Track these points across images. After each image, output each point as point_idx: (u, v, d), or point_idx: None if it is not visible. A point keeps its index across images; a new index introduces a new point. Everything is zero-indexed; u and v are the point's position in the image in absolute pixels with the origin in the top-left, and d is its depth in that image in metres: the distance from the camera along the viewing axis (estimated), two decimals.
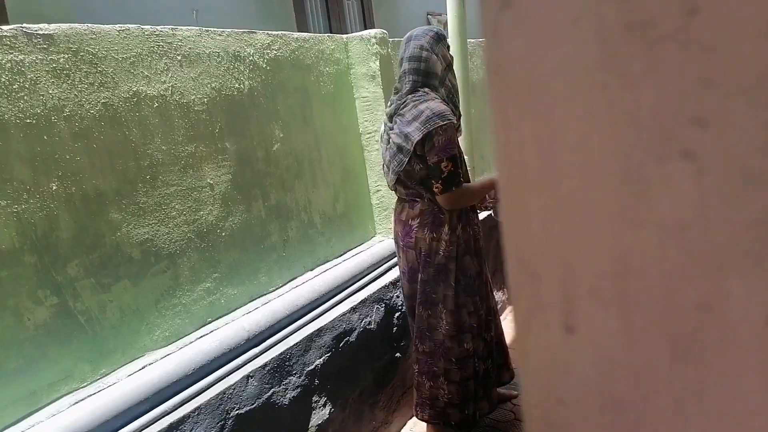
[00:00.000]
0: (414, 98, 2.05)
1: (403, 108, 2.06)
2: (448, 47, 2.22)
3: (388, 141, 2.12)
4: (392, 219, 2.30)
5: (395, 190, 2.20)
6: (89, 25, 1.55)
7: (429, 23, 6.67)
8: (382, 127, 2.23)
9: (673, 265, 0.28)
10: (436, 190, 2.00)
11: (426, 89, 2.07)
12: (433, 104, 2.00)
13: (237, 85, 1.95)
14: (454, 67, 3.39)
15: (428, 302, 2.12)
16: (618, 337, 0.31)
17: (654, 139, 0.27)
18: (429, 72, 2.08)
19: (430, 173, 2.00)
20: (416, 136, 1.96)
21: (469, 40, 3.54)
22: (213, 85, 1.85)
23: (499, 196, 0.36)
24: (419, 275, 2.12)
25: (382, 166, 2.26)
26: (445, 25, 5.96)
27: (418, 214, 2.10)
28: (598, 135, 0.29)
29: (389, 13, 5.98)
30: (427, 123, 1.96)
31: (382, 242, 2.62)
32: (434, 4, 6.48)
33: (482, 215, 2.95)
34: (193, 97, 1.78)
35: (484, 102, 3.94)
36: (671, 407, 0.30)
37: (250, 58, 2.01)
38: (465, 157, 3.55)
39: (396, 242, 2.24)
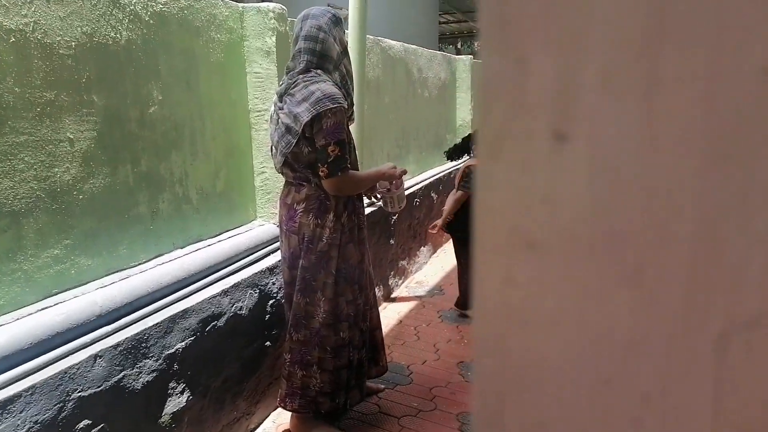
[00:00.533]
0: (305, 78, 1.97)
1: (293, 88, 1.98)
2: (344, 32, 2.17)
3: (277, 121, 2.03)
4: (277, 203, 2.22)
5: (282, 173, 2.12)
6: None
7: None
8: (272, 107, 2.13)
9: (730, 11, 0.21)
10: (321, 174, 1.95)
11: (319, 71, 2.00)
12: (325, 86, 1.94)
13: (113, 35, 1.76)
14: (352, 59, 3.36)
15: (307, 289, 2.06)
16: (631, 146, 0.23)
17: None
18: (324, 54, 2.02)
19: (318, 156, 1.94)
20: (305, 117, 1.89)
21: (367, 37, 3.51)
22: (84, 29, 1.65)
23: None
24: (300, 261, 2.05)
25: (270, 147, 2.17)
26: (346, 19, 5.91)
27: (304, 198, 2.04)
28: None
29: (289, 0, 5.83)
30: (317, 104, 1.90)
31: (263, 226, 2.50)
32: None
33: (369, 208, 2.92)
34: (58, 39, 1.58)
35: (378, 99, 3.94)
36: (692, 232, 0.24)
37: (131, 7, 1.82)
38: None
39: (279, 226, 2.16)
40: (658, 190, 0.24)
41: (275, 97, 2.11)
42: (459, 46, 16.04)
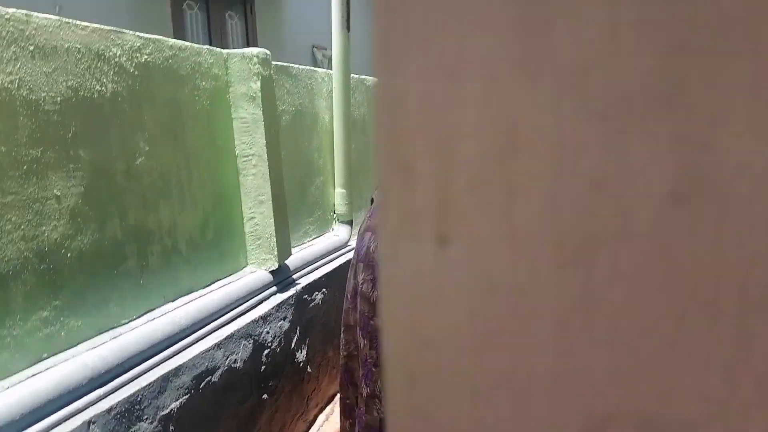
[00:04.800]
0: None
1: None
2: None
3: None
4: (375, 234, 1.94)
5: None
6: None
7: (314, 56, 6.72)
8: None
9: (567, 128, 0.24)
10: None
11: None
12: None
13: (98, 88, 1.77)
14: (337, 99, 3.40)
15: None
16: (498, 244, 0.27)
17: None
18: None
19: None
20: None
21: (352, 76, 3.57)
22: (69, 83, 1.66)
23: (374, 54, 0.31)
24: None
25: None
26: (330, 60, 6.02)
27: None
28: None
29: (274, 42, 5.92)
30: None
31: (254, 273, 2.48)
32: (320, 37, 6.53)
33: None
34: (44, 95, 1.58)
35: (364, 137, 3.97)
36: (552, 331, 0.26)
37: (117, 59, 1.84)
38: (343, 191, 3.54)
39: (371, 263, 1.92)
40: (522, 290, 0.27)
41: None
42: None
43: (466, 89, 0.26)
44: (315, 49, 6.73)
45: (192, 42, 4.91)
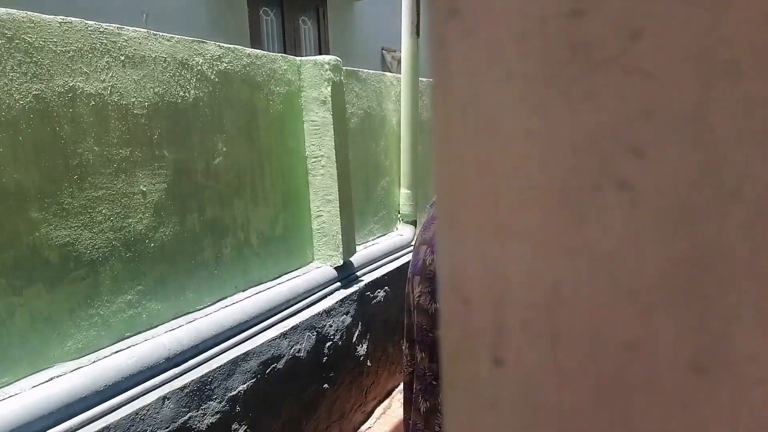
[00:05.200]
0: None
1: None
2: None
3: None
4: (430, 246, 1.92)
5: None
6: (29, 12, 1.50)
7: (384, 58, 6.80)
8: None
9: (604, 298, 0.28)
10: None
11: None
12: None
13: (182, 93, 1.91)
14: (405, 103, 3.47)
15: None
16: (546, 373, 0.31)
17: (591, 166, 0.27)
18: None
19: None
20: None
21: (421, 79, 3.63)
22: (156, 90, 1.81)
23: (439, 214, 0.35)
24: None
25: None
26: (399, 61, 6.09)
27: None
28: (537, 157, 0.28)
29: (345, 45, 6.06)
30: None
31: (320, 269, 2.59)
32: (390, 39, 6.63)
33: None
34: (133, 100, 1.74)
35: (430, 140, 4.01)
36: None
37: (199, 67, 1.98)
38: (408, 191, 3.60)
39: (435, 277, 1.85)
40: (564, 416, 0.31)
41: None
42: None
43: (516, 250, 0.30)
44: (384, 52, 6.82)
45: (267, 45, 5.14)
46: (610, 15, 0.25)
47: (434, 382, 1.91)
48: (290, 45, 5.31)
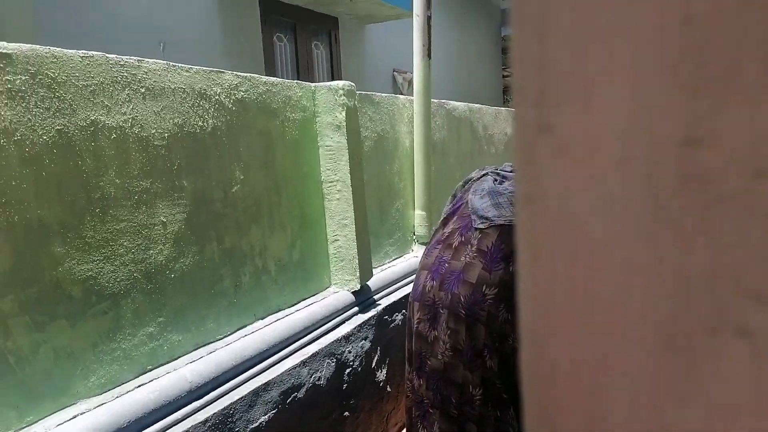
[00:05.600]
0: None
1: None
2: None
3: (501, 182, 1.93)
4: (424, 274, 1.91)
5: (458, 238, 1.86)
6: (51, 48, 1.50)
7: (395, 80, 6.83)
8: (477, 173, 2.07)
9: None
10: None
11: None
12: None
13: (200, 123, 1.91)
14: (418, 124, 3.47)
15: (499, 401, 1.73)
16: None
17: (705, 308, 0.24)
18: None
19: None
20: None
21: (432, 101, 3.63)
22: (175, 120, 1.81)
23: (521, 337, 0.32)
24: (483, 361, 1.72)
25: (457, 210, 2.00)
26: (410, 83, 6.12)
27: (498, 283, 1.69)
28: (642, 291, 0.26)
29: (357, 67, 6.10)
30: None
31: (337, 293, 2.57)
32: (401, 61, 6.66)
33: None
34: (153, 131, 1.74)
35: (444, 159, 4.01)
36: None
37: (216, 97, 1.98)
38: (423, 213, 3.59)
39: (434, 304, 1.83)
40: None
41: (491, 168, 2.07)
42: None
43: (617, 394, 0.27)
44: (396, 73, 6.85)
45: (281, 69, 5.18)
46: (732, 149, 0.23)
47: (431, 410, 1.86)
48: (303, 68, 5.35)
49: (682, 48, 0.23)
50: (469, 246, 1.80)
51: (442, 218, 2.10)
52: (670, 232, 0.24)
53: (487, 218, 1.81)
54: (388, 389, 2.72)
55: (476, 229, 1.82)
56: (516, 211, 0.31)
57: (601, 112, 0.26)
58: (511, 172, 1.98)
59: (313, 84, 2.59)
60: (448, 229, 1.95)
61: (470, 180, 2.14)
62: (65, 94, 1.51)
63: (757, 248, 0.22)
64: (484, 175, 2.06)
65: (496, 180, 1.97)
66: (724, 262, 0.23)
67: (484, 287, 1.70)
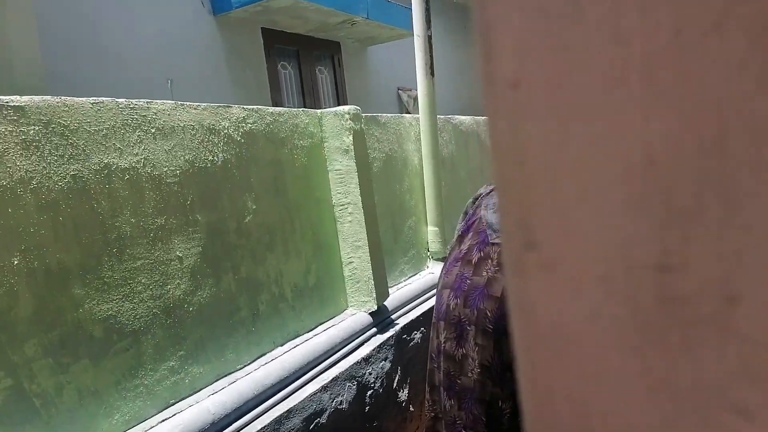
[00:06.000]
0: None
1: None
2: None
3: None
4: (453, 291, 1.91)
5: (476, 253, 1.86)
6: (62, 97, 1.54)
7: (400, 98, 6.87)
8: (485, 189, 2.08)
9: None
10: None
11: None
12: None
13: (211, 158, 1.94)
14: (425, 141, 3.49)
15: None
16: None
17: (694, 420, 0.25)
18: None
19: None
20: None
21: (438, 116, 3.65)
22: (186, 157, 1.85)
23: None
24: (512, 374, 1.69)
25: (471, 226, 2.02)
26: (416, 99, 6.15)
27: None
28: (635, 399, 0.26)
29: (361, 88, 6.15)
30: None
31: (355, 315, 2.57)
32: (404, 79, 6.70)
33: None
34: (165, 169, 1.77)
35: (453, 174, 4.02)
36: None
37: (225, 131, 2.02)
38: (435, 228, 3.59)
39: (460, 321, 1.83)
40: None
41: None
42: None
43: None
44: (400, 91, 6.90)
45: (286, 96, 5.24)
46: (703, 277, 0.24)
47: (463, 431, 1.85)
48: (308, 93, 5.41)
49: (648, 185, 0.25)
50: (490, 260, 1.81)
51: (456, 236, 2.10)
52: (655, 346, 0.25)
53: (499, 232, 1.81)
54: (411, 409, 2.72)
55: (493, 243, 1.84)
56: (512, 317, 0.32)
57: (580, 235, 0.27)
58: None
59: (319, 110, 2.62)
60: (465, 246, 1.96)
61: (480, 196, 2.15)
62: (78, 140, 1.55)
63: (736, 366, 0.23)
64: (492, 189, 2.07)
65: None
66: (708, 377, 0.24)
67: (506, 299, 1.68)
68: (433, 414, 1.98)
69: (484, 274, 1.82)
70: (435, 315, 1.98)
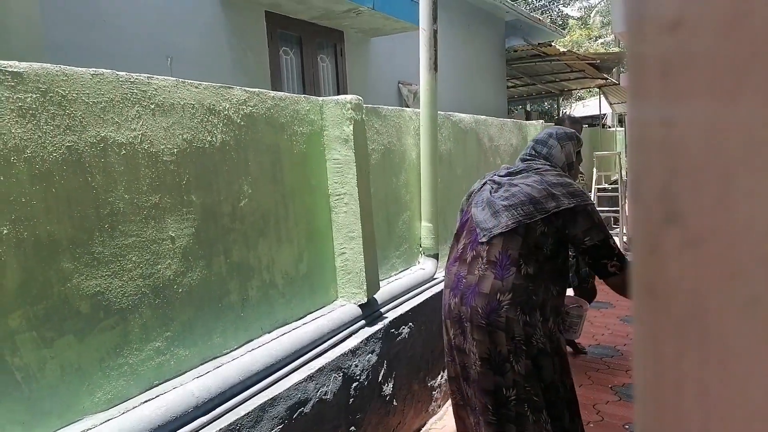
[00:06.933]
0: (548, 168, 2.00)
1: (542, 171, 1.97)
2: (578, 153, 2.17)
3: (496, 189, 1.97)
4: (452, 290, 1.98)
5: (479, 250, 1.90)
6: (62, 66, 1.51)
7: (400, 92, 6.83)
8: (480, 183, 2.12)
9: None
10: (612, 269, 1.76)
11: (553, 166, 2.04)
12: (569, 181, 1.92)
13: (209, 138, 1.91)
14: (424, 136, 3.47)
15: (532, 404, 1.81)
16: None
17: None
18: (550, 156, 2.07)
19: (600, 252, 1.77)
20: (566, 203, 1.80)
21: (439, 112, 3.62)
22: (185, 136, 1.81)
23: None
24: (511, 365, 1.81)
25: (464, 224, 2.06)
26: (416, 94, 6.12)
27: (511, 289, 1.79)
28: None
29: (362, 80, 6.10)
30: (578, 197, 1.82)
31: (344, 307, 2.55)
32: (406, 73, 6.66)
33: None
34: (162, 147, 1.74)
35: (450, 171, 4.00)
36: None
37: (225, 112, 1.98)
38: (429, 224, 3.57)
39: (460, 318, 1.91)
40: None
41: (491, 174, 2.11)
42: (528, 108, 16.28)
43: None
44: (401, 85, 6.85)
45: (287, 83, 5.19)
46: None
47: (480, 417, 1.92)
48: (309, 81, 5.36)
49: None
50: (480, 259, 1.89)
51: (454, 234, 2.15)
52: None
53: (489, 230, 1.89)
54: (395, 403, 2.70)
55: (481, 243, 1.91)
56: (634, 303, 0.29)
57: (741, 204, 0.23)
58: (505, 176, 2.04)
59: (321, 98, 2.59)
60: (460, 245, 2.03)
61: (473, 192, 2.16)
62: (76, 111, 1.51)
63: None
64: (483, 184, 2.12)
65: (492, 189, 2.03)
66: None
67: (498, 295, 1.81)
68: (454, 402, 2.12)
69: (476, 272, 1.89)
70: (442, 313, 2.09)
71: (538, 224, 1.81)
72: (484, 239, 1.89)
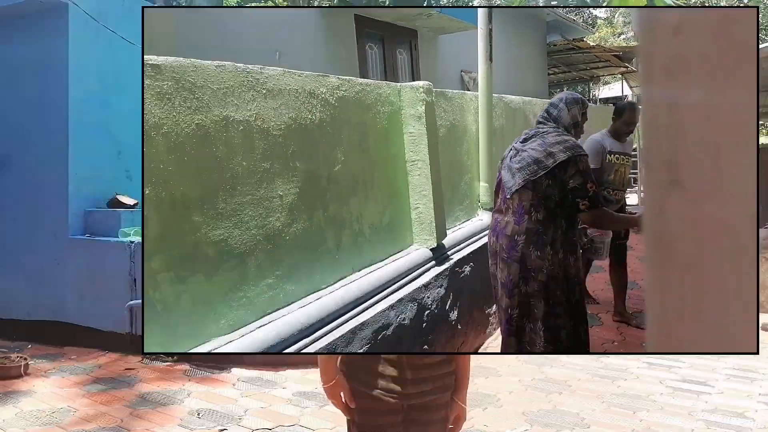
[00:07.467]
0: (553, 129, 1.85)
1: (544, 133, 1.83)
2: (583, 114, 1.95)
3: (516, 155, 1.85)
4: (492, 231, 1.95)
5: (506, 203, 1.86)
6: (192, 59, 1.36)
7: (462, 79, 6.40)
8: (506, 151, 1.99)
9: None
10: (582, 207, 1.70)
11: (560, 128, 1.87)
12: (569, 137, 1.80)
13: (310, 117, 1.74)
14: (482, 114, 3.16)
15: (531, 316, 1.81)
16: None
17: None
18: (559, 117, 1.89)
19: (576, 193, 1.70)
20: (561, 156, 1.71)
21: (493, 95, 3.29)
22: (290, 115, 1.65)
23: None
24: (518, 289, 1.80)
25: (499, 183, 1.97)
26: (475, 80, 5.69)
27: (524, 231, 1.77)
28: None
29: (432, 69, 5.72)
30: (571, 149, 1.72)
31: (418, 250, 2.37)
32: (467, 63, 6.20)
33: None
34: (272, 123, 1.58)
35: (503, 144, 3.66)
36: None
37: (322, 95, 1.80)
38: (486, 184, 3.28)
39: (495, 252, 1.90)
40: None
41: (515, 141, 1.96)
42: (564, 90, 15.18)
43: None
44: (463, 73, 6.40)
45: (371, 71, 4.91)
46: None
47: (505, 326, 1.89)
48: (390, 71, 5.08)
49: None
50: (507, 209, 1.87)
51: (494, 190, 2.10)
52: None
53: (510, 188, 1.84)
54: (459, 327, 2.52)
55: (507, 198, 1.86)
56: (646, 250, 0.28)
57: (729, 171, 0.22)
58: (523, 141, 1.92)
59: (399, 84, 2.35)
60: (499, 199, 2.00)
61: (504, 157, 2.03)
62: (203, 95, 1.38)
63: None
64: (509, 151, 1.99)
65: (511, 156, 1.93)
66: None
67: (515, 236, 1.79)
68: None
69: (504, 219, 1.88)
70: (488, 248, 2.06)
71: (542, 179, 1.73)
72: (507, 195, 1.85)
